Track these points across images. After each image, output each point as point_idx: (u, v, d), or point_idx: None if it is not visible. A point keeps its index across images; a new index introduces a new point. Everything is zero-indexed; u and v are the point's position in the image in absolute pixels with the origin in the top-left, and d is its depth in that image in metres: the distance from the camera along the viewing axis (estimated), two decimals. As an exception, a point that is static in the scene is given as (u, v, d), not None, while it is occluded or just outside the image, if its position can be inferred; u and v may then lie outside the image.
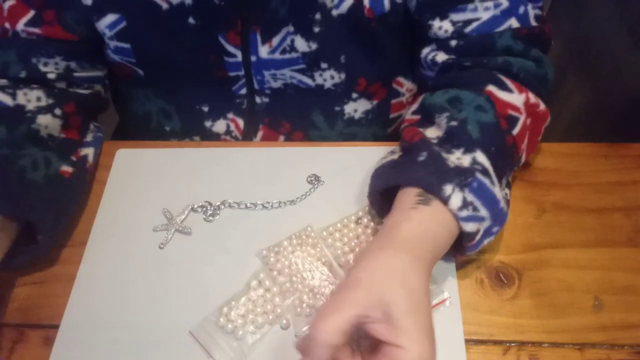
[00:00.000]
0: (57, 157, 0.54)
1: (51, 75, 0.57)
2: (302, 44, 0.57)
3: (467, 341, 0.47)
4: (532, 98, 0.51)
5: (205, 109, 0.66)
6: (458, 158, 0.46)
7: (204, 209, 0.56)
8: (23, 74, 0.56)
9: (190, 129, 0.69)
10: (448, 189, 0.43)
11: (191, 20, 0.55)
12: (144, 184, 0.59)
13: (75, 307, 0.51)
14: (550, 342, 0.47)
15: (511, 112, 0.50)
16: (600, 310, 0.49)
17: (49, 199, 0.52)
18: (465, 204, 0.43)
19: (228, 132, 0.68)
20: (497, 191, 0.46)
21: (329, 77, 0.61)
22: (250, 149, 0.61)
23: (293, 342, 0.48)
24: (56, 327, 0.49)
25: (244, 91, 0.63)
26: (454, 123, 0.48)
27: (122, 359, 0.48)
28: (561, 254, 0.52)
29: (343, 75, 0.61)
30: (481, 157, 0.46)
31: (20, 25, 0.55)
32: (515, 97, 0.50)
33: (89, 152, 0.59)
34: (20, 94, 0.54)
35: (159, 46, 0.59)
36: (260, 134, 0.68)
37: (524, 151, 0.52)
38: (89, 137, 0.60)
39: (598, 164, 0.58)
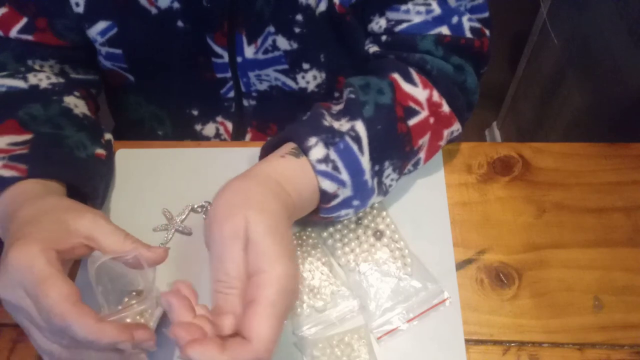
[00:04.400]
0: (90, 140, 0.54)
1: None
2: (283, 43, 0.57)
3: (467, 341, 0.47)
4: (436, 96, 0.52)
5: (195, 112, 0.67)
6: (340, 124, 0.48)
7: (204, 209, 0.56)
8: (22, 71, 0.56)
9: (182, 133, 0.70)
10: (312, 140, 0.45)
11: (180, 23, 0.56)
12: (144, 184, 0.59)
13: (75, 307, 0.50)
14: (550, 342, 0.47)
15: (412, 104, 0.51)
16: (600, 310, 0.49)
17: (98, 173, 0.53)
18: (327, 160, 0.45)
19: (217, 135, 0.69)
20: (365, 161, 0.47)
21: (311, 79, 0.61)
22: (250, 148, 0.61)
23: (293, 342, 0.48)
24: (56, 327, 0.49)
25: (231, 94, 0.64)
26: (352, 96, 0.50)
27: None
28: (561, 254, 0.52)
29: (324, 75, 0.61)
30: (359, 126, 0.47)
31: (13, 33, 0.55)
32: (418, 91, 0.51)
33: (109, 137, 0.59)
34: (30, 76, 0.55)
35: (150, 51, 0.59)
36: (248, 136, 0.69)
37: (422, 150, 0.52)
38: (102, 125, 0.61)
39: (598, 164, 0.58)
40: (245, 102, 0.65)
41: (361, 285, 0.50)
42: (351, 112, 0.48)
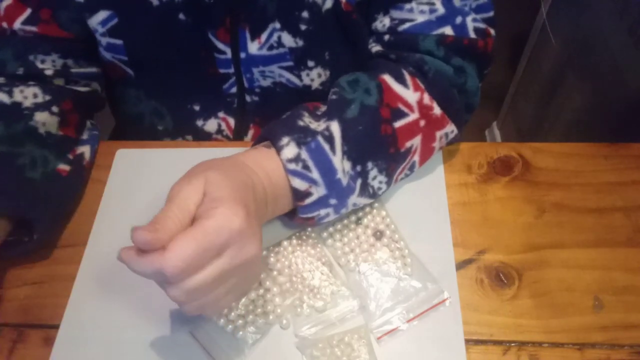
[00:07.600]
0: (54, 155, 0.54)
1: (48, 72, 0.57)
2: (289, 40, 0.57)
3: (467, 341, 0.47)
4: (427, 99, 0.52)
5: (197, 108, 0.67)
6: (318, 124, 0.49)
7: (204, 209, 0.56)
8: (20, 71, 0.56)
9: (182, 129, 0.69)
10: (285, 140, 0.47)
11: (181, 16, 0.56)
12: (144, 184, 0.59)
13: (75, 307, 0.51)
14: (550, 342, 0.47)
15: (401, 106, 0.51)
16: (600, 310, 0.49)
17: (47, 197, 0.52)
18: (297, 159, 0.46)
19: (219, 131, 0.69)
20: (336, 161, 0.47)
21: (316, 76, 0.61)
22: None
23: (293, 342, 0.48)
24: (56, 327, 0.49)
25: (234, 90, 0.64)
26: (334, 97, 0.51)
27: (122, 359, 0.48)
28: (561, 254, 0.52)
29: (328, 72, 0.61)
30: (334, 127, 0.48)
31: (17, 24, 0.55)
32: (409, 94, 0.51)
33: (85, 150, 0.59)
34: (16, 91, 0.55)
35: (151, 43, 0.59)
36: (251, 132, 0.69)
37: (415, 153, 0.53)
38: (86, 135, 0.61)
39: (598, 164, 0.58)
40: (247, 98, 0.65)
41: (361, 285, 0.50)
42: (331, 112, 0.49)
